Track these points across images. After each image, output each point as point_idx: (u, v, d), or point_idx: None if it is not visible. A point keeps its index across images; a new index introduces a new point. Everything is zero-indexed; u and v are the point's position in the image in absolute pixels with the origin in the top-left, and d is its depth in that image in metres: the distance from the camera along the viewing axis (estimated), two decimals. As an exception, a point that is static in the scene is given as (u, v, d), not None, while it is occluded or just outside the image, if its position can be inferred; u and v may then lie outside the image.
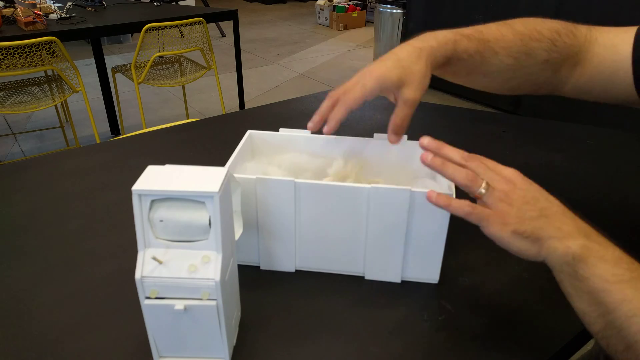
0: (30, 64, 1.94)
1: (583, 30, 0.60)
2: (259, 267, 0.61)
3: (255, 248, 0.60)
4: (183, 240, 0.43)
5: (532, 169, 0.83)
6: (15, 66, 1.90)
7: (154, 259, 0.43)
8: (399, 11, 3.83)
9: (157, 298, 0.43)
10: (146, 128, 1.03)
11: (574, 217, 0.44)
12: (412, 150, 0.63)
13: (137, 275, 0.42)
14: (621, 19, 1.92)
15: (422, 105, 0.56)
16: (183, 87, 2.87)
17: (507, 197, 0.45)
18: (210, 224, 0.42)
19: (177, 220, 0.42)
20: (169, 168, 0.44)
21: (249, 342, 0.50)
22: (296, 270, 0.61)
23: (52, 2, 2.42)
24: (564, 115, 2.23)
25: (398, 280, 0.59)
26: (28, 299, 0.55)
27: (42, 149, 2.74)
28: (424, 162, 0.47)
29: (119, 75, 2.56)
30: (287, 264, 0.61)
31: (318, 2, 5.98)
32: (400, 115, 0.55)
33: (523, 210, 0.44)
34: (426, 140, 0.49)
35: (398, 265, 0.58)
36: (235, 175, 0.53)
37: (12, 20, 2.14)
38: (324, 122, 0.57)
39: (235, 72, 2.77)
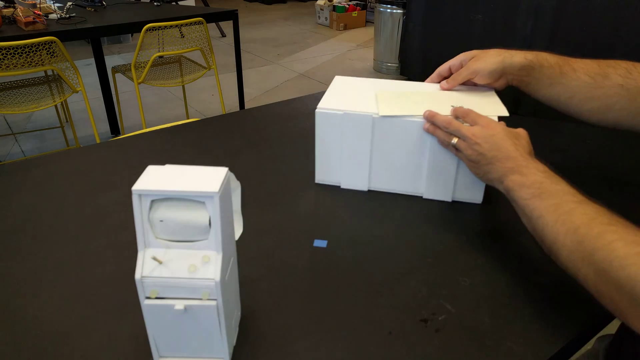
0: (30, 64, 1.94)
1: None
2: (339, 186, 0.77)
3: (338, 170, 0.76)
4: (183, 240, 0.43)
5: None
6: (15, 66, 1.90)
7: (154, 259, 0.43)
8: (399, 11, 3.83)
9: (157, 298, 0.43)
10: (146, 128, 1.03)
11: (515, 157, 0.59)
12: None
13: (137, 275, 0.42)
14: (621, 19, 1.92)
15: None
16: (183, 87, 2.87)
17: (468, 155, 0.64)
18: (210, 223, 0.42)
19: (177, 220, 0.42)
20: (169, 168, 0.44)
21: (250, 339, 0.50)
22: (369, 190, 0.76)
23: (52, 2, 2.42)
24: (564, 115, 2.23)
25: (449, 199, 0.74)
26: (27, 299, 0.55)
27: (42, 149, 2.74)
28: (424, 128, 0.69)
29: (119, 75, 2.56)
30: (362, 184, 0.76)
31: (318, 2, 5.98)
32: (460, 75, 0.75)
33: (477, 162, 0.63)
34: (427, 113, 0.68)
35: (450, 186, 0.73)
36: (325, 109, 0.72)
37: (12, 20, 2.14)
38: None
39: (235, 72, 2.77)
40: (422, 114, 0.70)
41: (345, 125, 0.72)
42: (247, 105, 3.14)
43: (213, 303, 0.43)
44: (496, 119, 0.68)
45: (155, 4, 2.79)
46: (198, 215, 0.42)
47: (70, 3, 2.43)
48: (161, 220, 0.42)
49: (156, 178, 0.43)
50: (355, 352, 0.48)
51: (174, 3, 4.36)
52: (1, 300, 0.55)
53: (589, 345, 0.62)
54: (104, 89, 2.82)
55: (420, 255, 0.62)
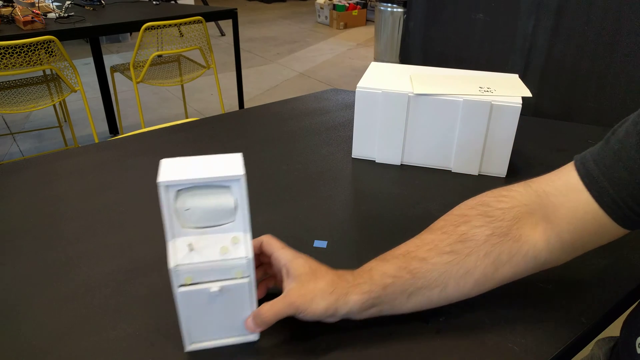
0: (28, 64, 1.94)
1: (519, 189, 0.51)
2: (374, 160, 0.85)
3: (373, 145, 0.84)
4: (209, 225, 0.45)
5: (532, 169, 0.83)
6: (13, 65, 1.90)
7: (189, 246, 0.44)
8: (399, 10, 3.82)
9: (191, 284, 0.45)
10: (145, 127, 1.03)
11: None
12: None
13: (171, 264, 0.43)
14: (622, 19, 1.91)
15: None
16: (182, 86, 2.86)
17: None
18: (236, 206, 0.44)
19: (204, 206, 0.44)
20: (183, 159, 0.45)
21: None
22: (401, 164, 0.84)
23: (50, 1, 2.41)
24: (564, 115, 2.23)
25: (476, 173, 0.81)
26: (26, 299, 0.55)
27: (40, 149, 2.73)
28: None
29: (117, 75, 2.55)
30: (395, 159, 0.84)
31: (318, 1, 5.98)
32: (274, 309, 0.47)
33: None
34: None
35: (477, 160, 0.80)
36: (364, 88, 0.80)
37: (10, 20, 2.13)
38: None
39: (235, 71, 2.76)
40: (453, 93, 0.77)
41: (382, 103, 0.80)
42: (246, 105, 3.14)
43: (246, 280, 0.46)
44: (520, 99, 0.76)
45: (154, 2, 2.78)
46: (223, 200, 0.44)
47: (69, 2, 2.42)
48: (187, 209, 0.44)
49: (177, 169, 0.43)
50: (355, 352, 0.48)
51: (172, 2, 4.36)
52: (1, 300, 0.54)
53: (589, 347, 0.61)
54: (102, 89, 2.81)
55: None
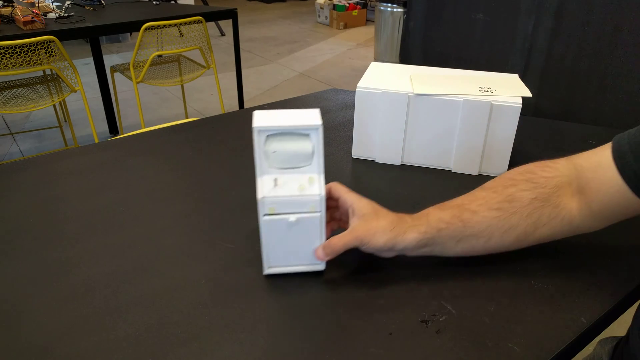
0: (28, 64, 1.94)
1: (561, 162, 0.57)
2: (374, 160, 0.85)
3: (373, 145, 0.84)
4: (290, 167, 0.54)
5: (532, 169, 0.83)
6: (13, 65, 1.90)
7: (274, 181, 0.53)
8: (399, 10, 3.82)
9: (273, 214, 0.53)
10: (145, 128, 1.02)
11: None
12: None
13: (259, 195, 0.52)
14: (622, 19, 1.91)
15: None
16: (182, 86, 2.86)
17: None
18: (313, 151, 0.53)
19: (287, 150, 0.53)
20: (272, 112, 0.54)
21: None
22: (401, 164, 0.84)
23: (50, 1, 2.41)
24: (564, 115, 2.23)
25: (476, 173, 0.80)
26: (26, 299, 0.55)
27: (40, 149, 2.73)
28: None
29: (117, 75, 2.55)
30: (395, 159, 0.84)
31: (318, 1, 5.98)
32: (342, 241, 0.55)
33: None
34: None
35: (477, 161, 0.79)
36: (364, 88, 0.80)
37: (10, 20, 2.13)
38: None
39: (235, 71, 2.76)
40: (453, 93, 0.77)
41: (382, 103, 0.80)
42: (246, 105, 3.14)
43: (318, 214, 0.54)
44: (520, 99, 0.75)
45: (154, 2, 2.78)
46: (303, 145, 0.53)
47: (69, 2, 2.42)
48: (274, 152, 0.53)
49: (268, 118, 0.52)
50: (355, 352, 0.48)
51: (172, 2, 4.35)
52: (1, 300, 0.54)
53: (590, 347, 0.61)
54: (102, 89, 2.81)
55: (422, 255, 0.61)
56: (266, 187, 0.53)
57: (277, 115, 0.53)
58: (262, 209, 0.53)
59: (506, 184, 0.57)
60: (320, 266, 0.57)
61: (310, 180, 0.54)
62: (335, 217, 0.62)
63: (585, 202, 0.55)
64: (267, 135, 0.52)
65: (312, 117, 0.53)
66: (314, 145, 0.53)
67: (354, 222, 0.56)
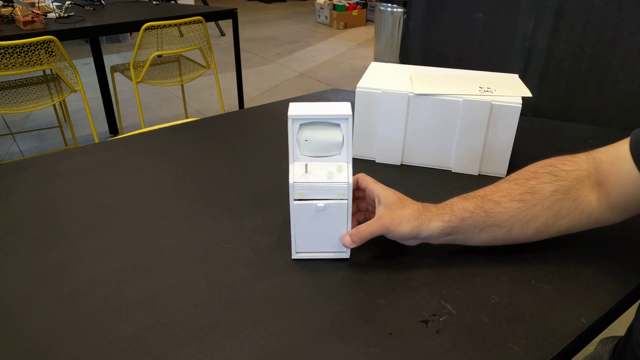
0: (28, 64, 1.94)
1: (582, 156, 0.59)
2: (374, 160, 0.85)
3: (373, 145, 0.84)
4: (321, 155, 0.57)
5: (532, 169, 0.83)
6: (13, 65, 1.90)
7: (305, 167, 0.56)
8: (399, 10, 3.82)
9: (302, 200, 0.56)
10: (145, 128, 1.02)
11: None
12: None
13: (291, 181, 0.55)
14: (622, 19, 1.91)
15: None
16: (182, 86, 2.86)
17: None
18: (343, 141, 0.56)
19: (318, 139, 0.56)
20: (306, 104, 0.57)
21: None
22: (401, 164, 0.84)
23: (50, 1, 2.41)
24: (564, 115, 2.23)
25: (476, 173, 0.81)
26: (26, 299, 0.55)
27: (40, 149, 2.73)
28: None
29: (117, 75, 2.55)
30: (395, 159, 0.84)
31: (318, 1, 5.98)
32: (370, 229, 0.57)
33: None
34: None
35: (477, 161, 0.79)
36: (364, 88, 0.80)
37: (10, 20, 2.13)
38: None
39: (235, 72, 2.76)
40: (452, 93, 0.77)
41: (382, 103, 0.80)
42: (246, 105, 3.14)
43: (345, 201, 0.56)
44: (520, 99, 0.76)
45: (154, 2, 2.78)
46: (334, 135, 0.56)
47: (69, 2, 2.42)
48: (306, 140, 0.56)
49: (301, 109, 0.55)
50: (355, 352, 0.48)
51: (172, 2, 4.35)
52: (1, 300, 0.54)
53: (591, 347, 0.61)
54: (102, 89, 2.81)
55: (422, 256, 0.61)
56: (297, 173, 0.56)
57: (310, 107, 0.56)
58: (292, 194, 0.56)
59: (528, 177, 0.59)
60: (346, 254, 0.59)
61: (339, 168, 0.56)
62: (362, 208, 0.64)
63: (604, 195, 0.56)
64: (301, 124, 0.55)
65: (342, 108, 0.56)
66: (344, 135, 0.56)
67: (380, 211, 0.58)
